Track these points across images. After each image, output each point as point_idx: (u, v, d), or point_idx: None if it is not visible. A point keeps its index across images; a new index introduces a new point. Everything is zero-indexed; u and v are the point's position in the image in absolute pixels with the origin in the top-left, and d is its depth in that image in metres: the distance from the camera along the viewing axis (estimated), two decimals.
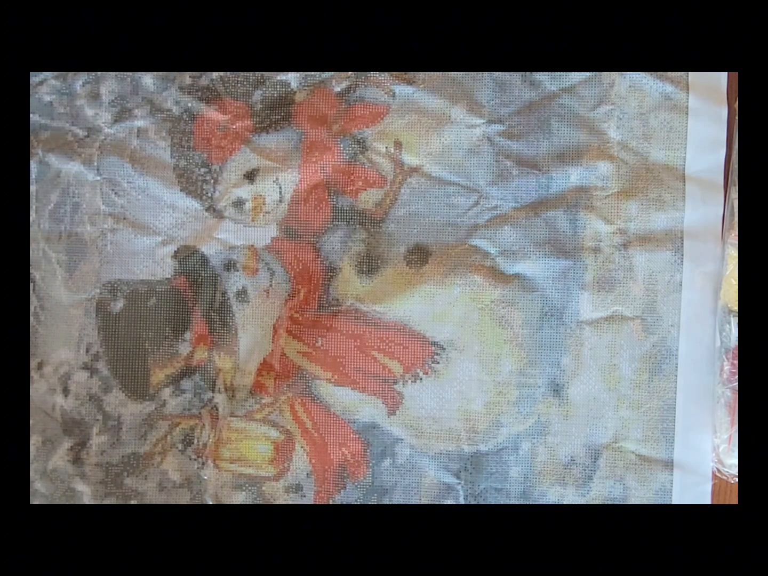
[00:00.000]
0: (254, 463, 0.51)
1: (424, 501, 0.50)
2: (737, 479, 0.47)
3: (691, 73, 0.50)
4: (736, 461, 0.47)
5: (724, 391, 0.48)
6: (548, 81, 0.51)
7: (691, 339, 0.49)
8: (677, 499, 0.48)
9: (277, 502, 0.51)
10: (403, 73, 0.51)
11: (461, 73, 0.51)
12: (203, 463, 0.51)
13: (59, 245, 0.53)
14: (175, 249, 0.52)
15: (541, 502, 0.49)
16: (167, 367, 0.52)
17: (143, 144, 0.53)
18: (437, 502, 0.50)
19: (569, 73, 0.50)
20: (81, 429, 0.52)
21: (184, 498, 0.51)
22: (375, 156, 0.52)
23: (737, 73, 0.47)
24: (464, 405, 0.50)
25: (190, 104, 0.53)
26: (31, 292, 0.53)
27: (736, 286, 0.47)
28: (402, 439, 0.50)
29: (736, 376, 0.47)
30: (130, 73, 0.53)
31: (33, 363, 0.52)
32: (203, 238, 0.52)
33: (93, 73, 0.53)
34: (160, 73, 0.53)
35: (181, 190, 0.53)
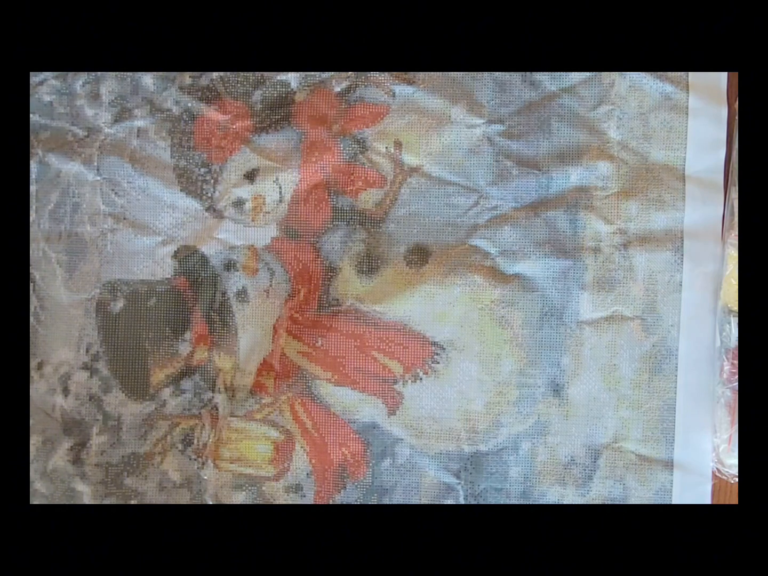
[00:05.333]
0: (254, 463, 0.51)
1: (424, 501, 0.50)
2: (737, 479, 0.47)
3: (691, 73, 0.50)
4: (736, 461, 0.47)
5: (724, 391, 0.48)
6: (548, 81, 0.51)
7: (691, 339, 0.49)
8: (677, 499, 0.48)
9: (277, 502, 0.51)
10: (403, 73, 0.51)
11: (461, 73, 0.51)
12: (203, 463, 0.51)
13: (59, 245, 0.53)
14: (175, 249, 0.52)
15: (541, 502, 0.49)
16: (167, 367, 0.52)
17: (143, 144, 0.53)
18: (437, 502, 0.50)
19: (569, 73, 0.50)
20: (81, 429, 0.52)
21: (184, 498, 0.51)
22: (375, 156, 0.52)
23: (737, 73, 0.47)
24: (464, 405, 0.50)
25: (190, 104, 0.53)
26: (31, 292, 0.53)
27: (736, 286, 0.47)
28: (402, 439, 0.50)
29: (736, 376, 0.47)
30: (130, 73, 0.53)
31: (33, 363, 0.52)
32: (203, 238, 0.52)
33: (93, 73, 0.53)
34: (160, 73, 0.53)
35: (181, 190, 0.53)
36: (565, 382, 0.49)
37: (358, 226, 0.51)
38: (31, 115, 0.53)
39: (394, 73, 0.52)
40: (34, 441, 0.52)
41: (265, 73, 0.52)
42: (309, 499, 0.51)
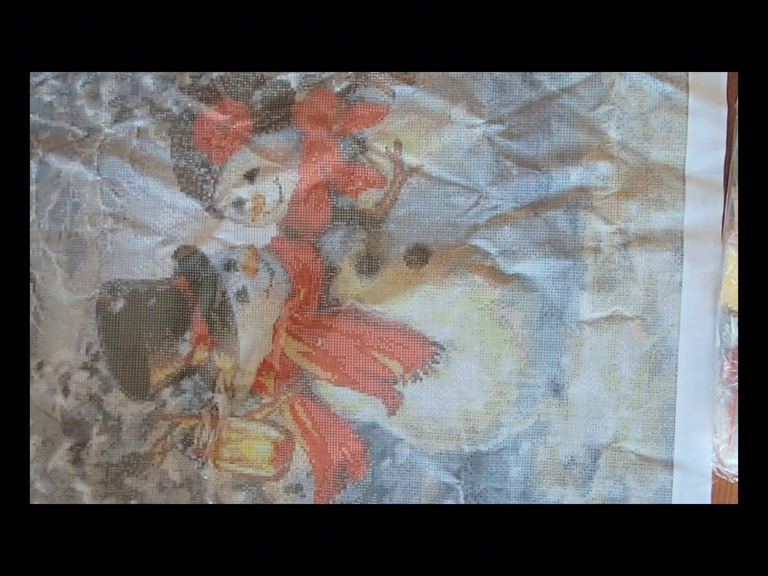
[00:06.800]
0: (254, 463, 0.51)
1: (424, 501, 0.50)
2: (737, 479, 0.47)
3: (691, 73, 0.50)
4: (736, 461, 0.47)
5: (724, 391, 0.48)
6: (548, 81, 0.51)
7: (691, 339, 0.49)
8: (677, 499, 0.48)
9: (277, 502, 0.51)
10: (403, 73, 0.51)
11: (461, 73, 0.51)
12: (203, 463, 0.51)
13: (59, 245, 0.53)
14: (175, 249, 0.52)
15: (541, 502, 0.49)
16: (167, 367, 0.52)
17: (143, 144, 0.53)
18: (437, 502, 0.50)
19: (569, 73, 0.50)
20: (81, 429, 0.52)
21: (184, 498, 0.51)
22: (375, 156, 0.52)
23: (737, 73, 0.47)
24: (464, 405, 0.50)
25: (190, 104, 0.53)
26: (31, 292, 0.53)
27: (736, 286, 0.47)
28: (402, 439, 0.50)
29: (736, 376, 0.47)
30: (130, 73, 0.53)
31: (33, 363, 0.52)
32: (203, 238, 0.52)
33: (93, 73, 0.53)
34: (160, 73, 0.53)
35: (181, 190, 0.53)
36: (565, 382, 0.49)
37: (358, 226, 0.51)
38: (31, 115, 0.53)
39: (394, 73, 0.52)
40: (34, 441, 0.52)
41: (265, 73, 0.52)
42: (309, 499, 0.51)
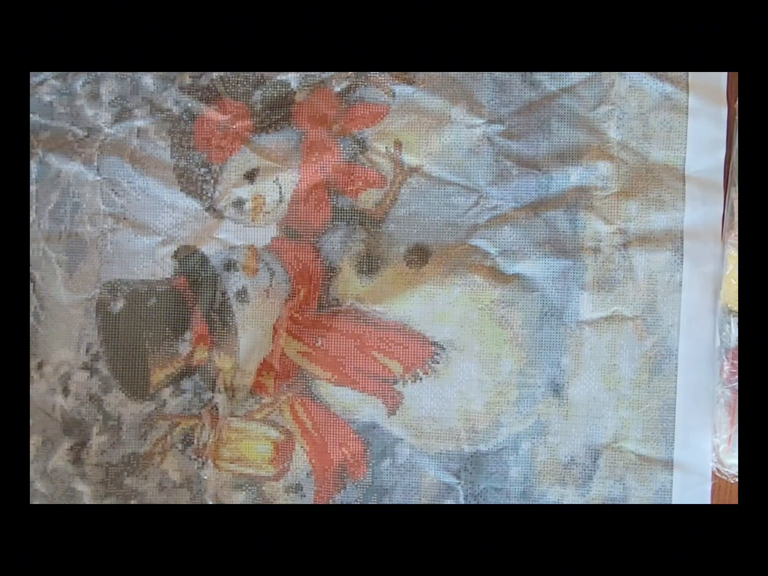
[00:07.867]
0: (254, 463, 0.51)
1: (424, 501, 0.50)
2: (737, 479, 0.47)
3: (691, 73, 0.50)
4: (736, 461, 0.47)
5: (724, 391, 0.48)
6: (548, 81, 0.51)
7: (691, 339, 0.49)
8: (677, 499, 0.48)
9: (277, 502, 0.51)
10: (403, 73, 0.51)
11: (461, 73, 0.51)
12: (203, 463, 0.51)
13: (59, 245, 0.53)
14: (175, 249, 0.52)
15: (541, 502, 0.49)
16: (167, 367, 0.52)
17: (143, 144, 0.53)
18: (437, 502, 0.50)
19: (569, 73, 0.50)
20: (81, 429, 0.52)
21: (184, 498, 0.51)
22: (375, 156, 0.52)
23: (737, 73, 0.47)
24: (464, 405, 0.50)
25: (190, 104, 0.53)
26: (31, 292, 0.53)
27: (736, 286, 0.47)
28: (402, 439, 0.50)
29: (736, 376, 0.47)
30: (130, 73, 0.53)
31: (33, 363, 0.52)
32: (203, 238, 0.52)
33: (93, 73, 0.53)
34: (160, 73, 0.53)
35: (181, 190, 0.53)
36: (565, 382, 0.49)
37: (358, 226, 0.51)
38: (31, 115, 0.53)
39: (394, 73, 0.52)
40: (34, 441, 0.52)
41: (265, 73, 0.52)
42: (309, 499, 0.51)
